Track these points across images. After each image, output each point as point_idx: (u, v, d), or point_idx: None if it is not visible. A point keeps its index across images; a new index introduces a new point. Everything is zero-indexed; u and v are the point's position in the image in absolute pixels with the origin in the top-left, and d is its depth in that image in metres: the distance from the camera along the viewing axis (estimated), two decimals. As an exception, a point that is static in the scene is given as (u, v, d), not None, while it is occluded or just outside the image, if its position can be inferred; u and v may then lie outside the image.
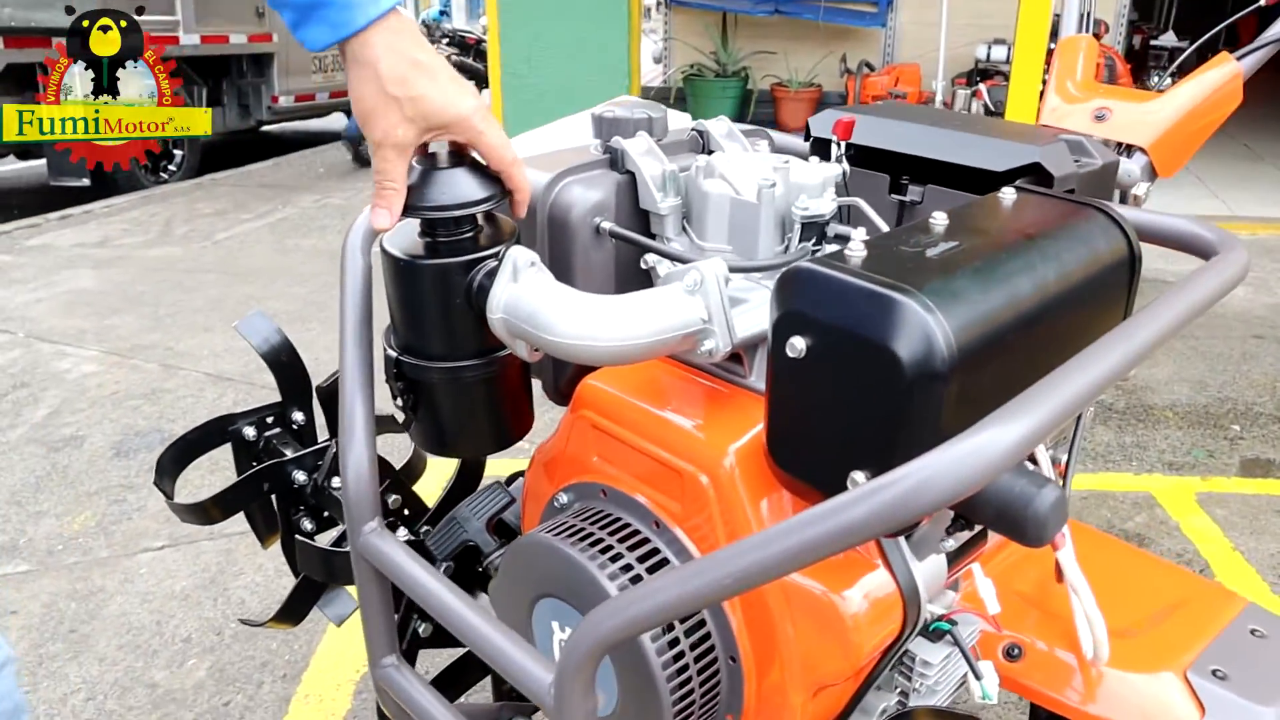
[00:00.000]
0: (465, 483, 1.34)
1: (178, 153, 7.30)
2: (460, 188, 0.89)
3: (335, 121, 9.47)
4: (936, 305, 0.72)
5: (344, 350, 0.97)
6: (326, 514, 1.60)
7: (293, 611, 1.57)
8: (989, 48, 6.48)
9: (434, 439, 1.00)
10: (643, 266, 1.03)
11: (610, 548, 0.94)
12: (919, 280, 0.75)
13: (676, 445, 0.94)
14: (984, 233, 0.87)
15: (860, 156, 1.16)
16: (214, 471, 2.36)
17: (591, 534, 0.96)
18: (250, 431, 1.72)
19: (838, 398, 0.77)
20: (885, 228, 1.04)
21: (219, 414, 1.51)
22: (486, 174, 0.90)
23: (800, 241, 1.00)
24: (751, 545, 0.64)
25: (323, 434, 1.70)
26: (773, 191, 0.97)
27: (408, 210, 0.89)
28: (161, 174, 7.18)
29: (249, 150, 8.32)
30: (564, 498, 1.06)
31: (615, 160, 1.05)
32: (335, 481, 1.48)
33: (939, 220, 0.88)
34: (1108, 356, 0.70)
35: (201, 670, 2.05)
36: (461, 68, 12.31)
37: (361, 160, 7.24)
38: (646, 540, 0.96)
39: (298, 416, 1.75)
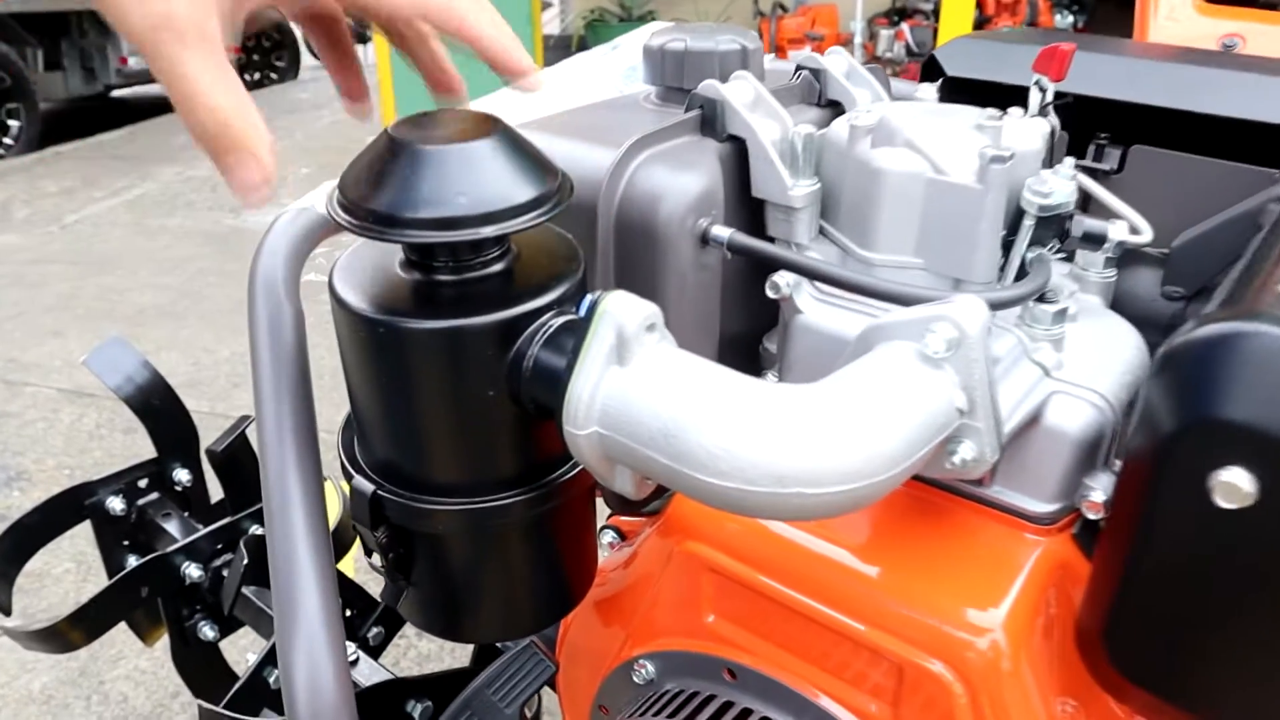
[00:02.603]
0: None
1: (13, 123, 6.40)
2: (486, 174, 0.46)
3: (195, 83, 8.57)
4: None
5: (274, 487, 0.53)
6: (231, 612, 1.18)
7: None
8: (909, -11, 6.15)
9: (442, 617, 0.58)
10: (771, 295, 0.62)
11: (768, 790, 0.55)
12: None
13: (881, 613, 0.54)
14: None
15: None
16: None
17: (730, 763, 0.56)
18: (116, 504, 1.29)
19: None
20: (1135, 215, 0.66)
21: (77, 453, 1.06)
22: (521, 140, 0.48)
23: (1031, 245, 0.61)
24: None
25: (216, 492, 1.27)
26: (1005, 169, 0.57)
27: (368, 224, 0.46)
28: (-5, 147, 6.31)
29: (97, 118, 7.42)
30: (649, 669, 0.65)
31: (710, 118, 0.63)
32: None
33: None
34: None
35: (74, 803, 1.57)
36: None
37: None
38: (822, 766, 0.57)
39: (181, 475, 1.31)
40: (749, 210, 0.65)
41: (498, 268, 0.50)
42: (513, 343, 0.48)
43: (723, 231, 0.58)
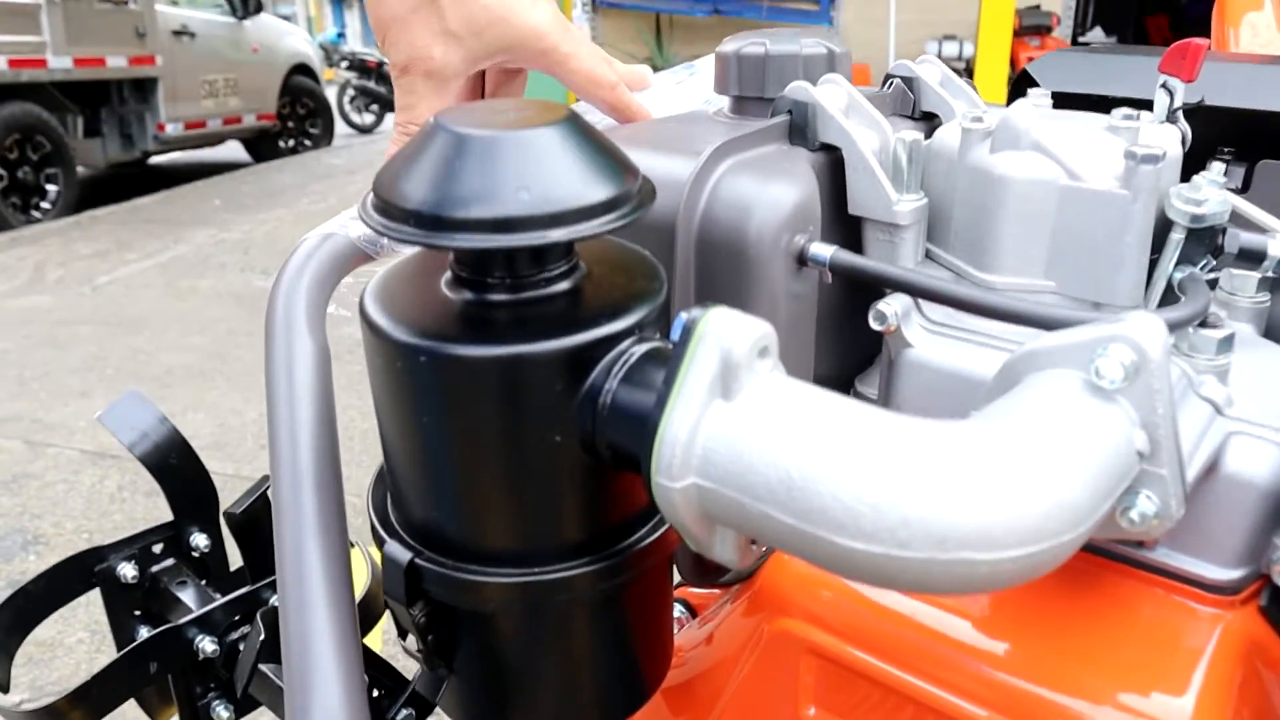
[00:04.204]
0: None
1: (51, 188, 6.49)
2: (553, 167, 0.38)
3: (229, 151, 8.72)
4: None
5: (288, 548, 0.44)
6: (246, 691, 1.07)
7: None
8: (940, 44, 6.15)
9: (490, 712, 0.48)
10: (875, 326, 0.53)
11: None
12: None
13: (1029, 705, 0.44)
14: None
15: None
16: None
17: None
18: (128, 570, 1.18)
19: None
20: (1291, 231, 0.57)
21: (96, 512, 0.97)
22: (593, 130, 0.40)
23: (1179, 263, 0.52)
24: None
25: (236, 559, 1.18)
26: (1155, 171, 0.48)
27: (408, 227, 0.38)
28: (34, 211, 6.38)
29: (134, 184, 7.54)
30: (731, 771, 0.55)
31: (800, 124, 0.55)
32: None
33: None
34: None
35: None
36: (364, 91, 11.68)
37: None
38: None
39: (199, 540, 1.21)
40: (844, 230, 0.56)
41: (564, 285, 0.41)
42: (585, 376, 0.39)
43: (824, 250, 0.50)
